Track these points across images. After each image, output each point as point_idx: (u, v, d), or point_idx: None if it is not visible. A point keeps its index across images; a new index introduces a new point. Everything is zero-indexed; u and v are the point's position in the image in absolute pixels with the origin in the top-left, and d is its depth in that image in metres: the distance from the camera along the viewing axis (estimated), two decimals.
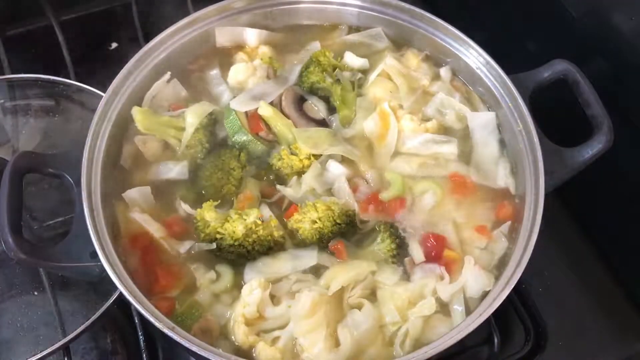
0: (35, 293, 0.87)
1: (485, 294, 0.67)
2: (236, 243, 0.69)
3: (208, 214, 0.69)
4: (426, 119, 0.82)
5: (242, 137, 0.77)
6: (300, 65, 0.84)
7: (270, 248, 0.70)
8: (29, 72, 0.97)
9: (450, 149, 0.79)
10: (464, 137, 0.81)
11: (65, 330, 0.81)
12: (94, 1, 1.14)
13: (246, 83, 0.83)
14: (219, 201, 0.72)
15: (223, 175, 0.74)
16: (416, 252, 0.71)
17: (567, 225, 0.99)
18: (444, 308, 0.69)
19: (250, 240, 0.69)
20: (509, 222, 0.74)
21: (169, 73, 0.81)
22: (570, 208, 1.00)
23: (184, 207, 0.72)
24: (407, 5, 0.86)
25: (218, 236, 0.69)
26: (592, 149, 0.77)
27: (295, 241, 0.72)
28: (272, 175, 0.77)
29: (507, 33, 1.00)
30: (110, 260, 0.66)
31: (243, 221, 0.69)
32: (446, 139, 0.79)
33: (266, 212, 0.71)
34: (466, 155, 0.80)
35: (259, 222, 0.69)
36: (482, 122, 0.81)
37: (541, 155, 0.74)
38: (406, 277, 0.71)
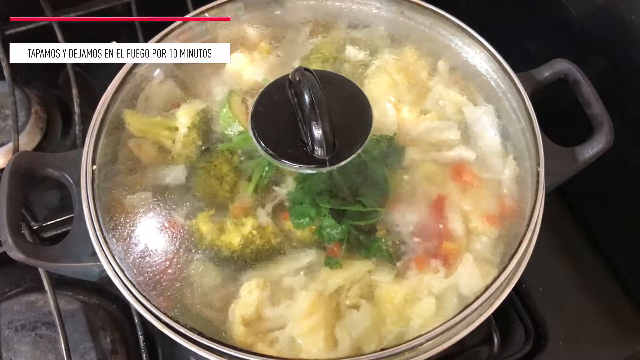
0: (35, 293, 0.88)
1: (480, 294, 0.66)
2: (234, 255, 0.68)
3: (203, 226, 0.68)
4: (425, 112, 0.81)
5: (235, 131, 0.75)
6: (299, 59, 0.84)
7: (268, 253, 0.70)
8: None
9: (451, 134, 0.77)
10: (464, 130, 0.80)
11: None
12: (93, 0, 1.14)
13: (244, 71, 0.81)
14: (213, 211, 0.70)
15: (216, 182, 0.72)
16: (412, 247, 0.70)
17: (567, 225, 0.99)
18: (443, 307, 0.69)
19: (248, 251, 0.68)
20: (510, 221, 0.74)
21: (163, 73, 0.81)
22: (570, 208, 1.00)
23: (176, 219, 0.71)
24: None
25: (215, 248, 0.68)
26: (592, 149, 0.77)
27: (292, 242, 0.71)
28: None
29: (507, 33, 1.00)
30: (110, 260, 0.66)
31: (239, 232, 0.68)
32: (447, 125, 0.78)
33: (263, 217, 0.70)
34: (467, 146, 0.79)
35: (255, 233, 0.68)
36: (480, 115, 0.80)
37: (542, 154, 0.73)
38: (403, 274, 0.69)
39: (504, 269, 0.67)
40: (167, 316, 0.63)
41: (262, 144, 0.67)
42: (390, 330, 0.67)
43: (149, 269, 0.68)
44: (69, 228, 0.71)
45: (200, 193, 0.73)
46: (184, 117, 0.76)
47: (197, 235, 0.70)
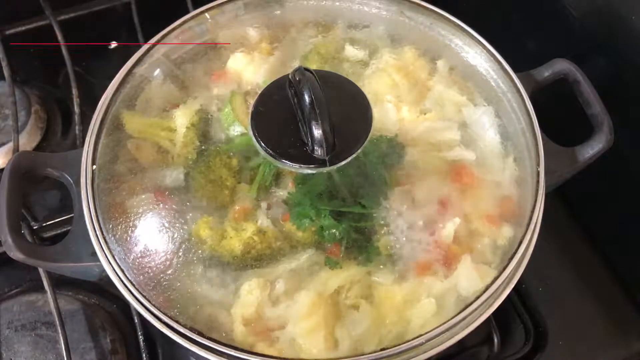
0: (35, 293, 0.88)
1: (480, 294, 0.66)
2: (235, 260, 0.68)
3: (203, 232, 0.68)
4: (425, 112, 0.81)
5: (236, 131, 0.75)
6: (299, 59, 0.84)
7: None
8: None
9: (451, 134, 0.77)
10: (463, 130, 0.80)
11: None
12: (93, 0, 1.14)
13: (244, 71, 0.81)
14: (213, 214, 0.70)
15: (215, 187, 0.72)
16: (412, 248, 0.71)
17: (567, 225, 0.99)
18: (443, 307, 0.69)
19: (249, 256, 0.68)
20: (510, 221, 0.74)
21: (162, 73, 0.81)
22: (570, 208, 1.00)
23: (177, 220, 0.70)
24: None
25: (216, 254, 0.68)
26: (592, 149, 0.77)
27: (293, 243, 0.71)
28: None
29: (507, 33, 1.00)
30: (110, 260, 0.66)
31: (240, 237, 0.68)
32: (447, 125, 0.78)
33: (263, 221, 0.70)
34: (467, 147, 0.79)
35: (256, 238, 0.68)
36: (479, 116, 0.80)
37: (542, 154, 0.73)
38: (402, 275, 0.69)
39: (504, 269, 0.67)
40: (167, 316, 0.63)
41: (262, 144, 0.67)
42: (390, 330, 0.67)
43: (149, 269, 0.68)
44: (69, 228, 0.71)
45: (199, 195, 0.72)
46: (182, 117, 0.76)
47: (197, 238, 0.69)
